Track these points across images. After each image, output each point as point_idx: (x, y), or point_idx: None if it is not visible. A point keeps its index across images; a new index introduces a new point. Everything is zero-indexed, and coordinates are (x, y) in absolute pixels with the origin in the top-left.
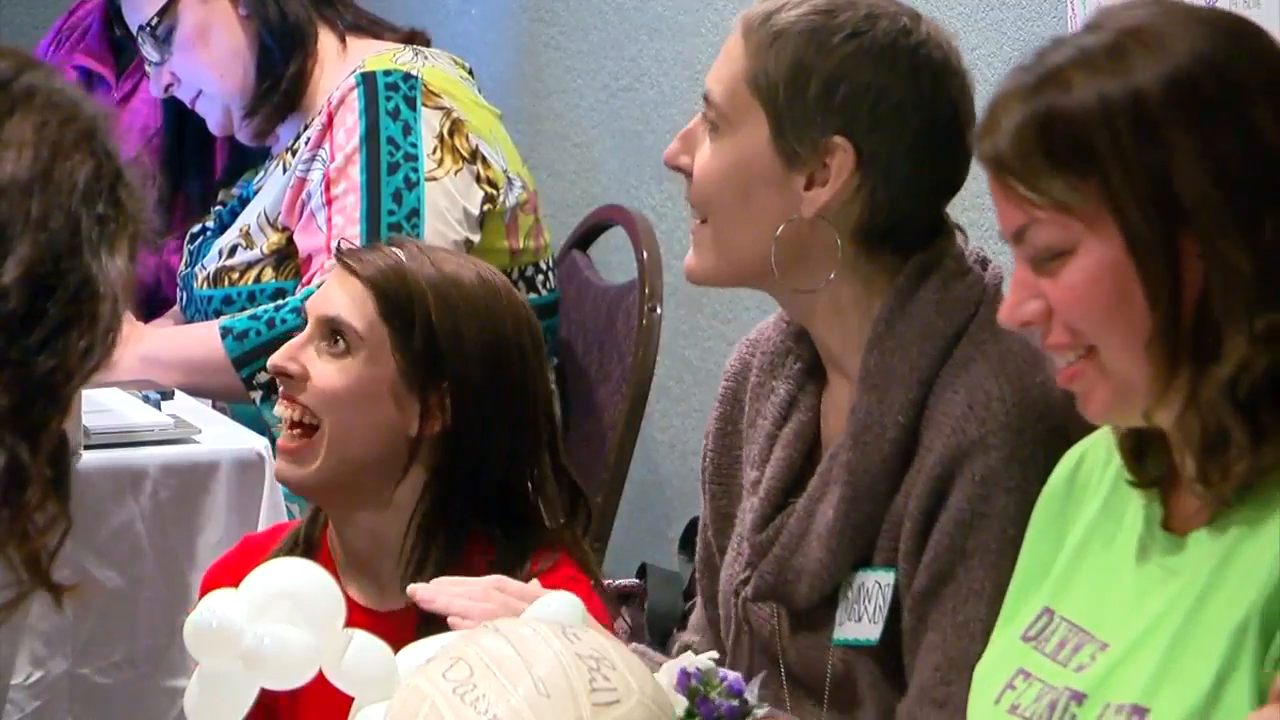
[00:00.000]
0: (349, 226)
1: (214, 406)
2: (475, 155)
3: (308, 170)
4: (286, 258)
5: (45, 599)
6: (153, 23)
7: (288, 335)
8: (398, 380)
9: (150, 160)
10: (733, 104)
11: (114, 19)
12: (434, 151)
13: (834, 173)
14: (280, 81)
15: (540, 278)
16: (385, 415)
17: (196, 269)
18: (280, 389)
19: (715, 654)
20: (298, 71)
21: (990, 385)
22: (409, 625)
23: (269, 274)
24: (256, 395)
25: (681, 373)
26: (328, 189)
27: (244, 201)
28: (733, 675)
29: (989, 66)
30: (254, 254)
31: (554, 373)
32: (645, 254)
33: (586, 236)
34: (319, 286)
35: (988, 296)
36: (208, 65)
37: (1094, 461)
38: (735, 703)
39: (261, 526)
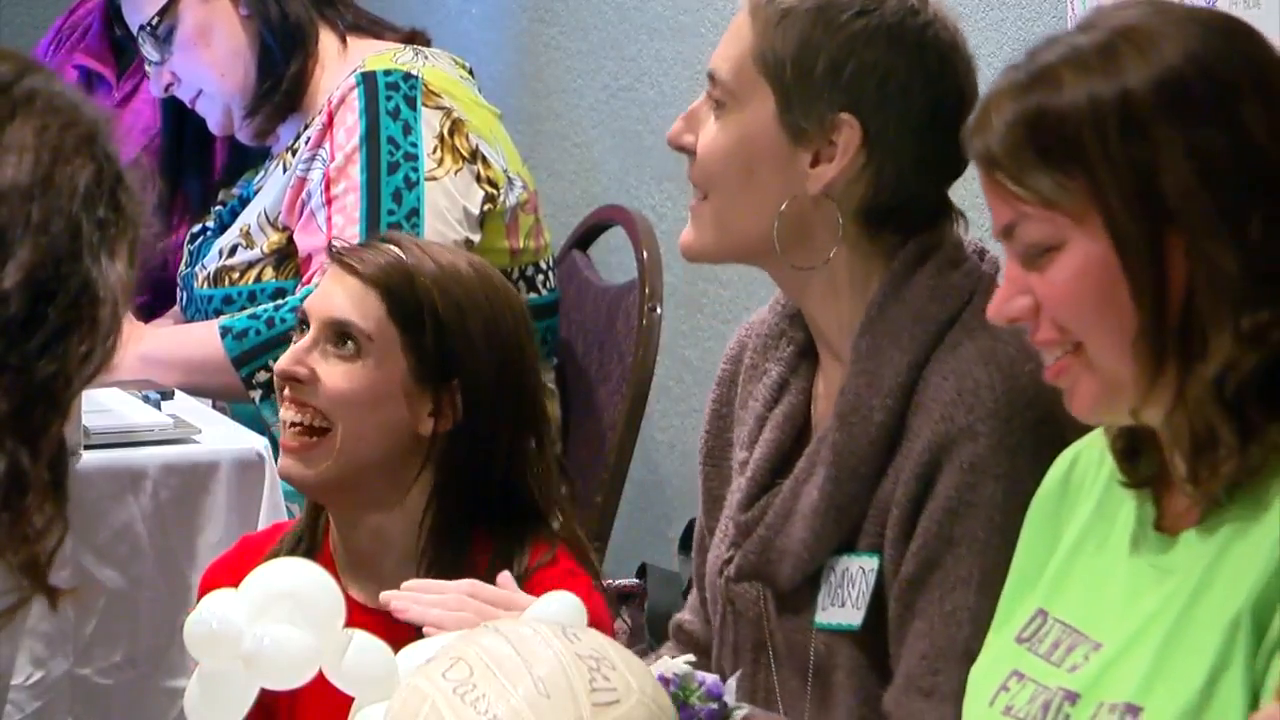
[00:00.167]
0: (349, 226)
1: (214, 406)
2: (475, 155)
3: (308, 170)
4: (286, 257)
5: (44, 601)
6: (153, 22)
7: (287, 334)
8: (409, 379)
9: (150, 161)
10: (739, 81)
11: (114, 19)
12: (434, 151)
13: (840, 150)
14: (281, 81)
15: (540, 278)
16: (396, 415)
17: (196, 269)
18: (287, 393)
19: (692, 657)
20: (298, 71)
21: (979, 372)
22: (409, 625)
23: (269, 273)
24: (256, 395)
25: (681, 373)
26: (328, 188)
27: (244, 201)
28: (710, 679)
29: (989, 66)
30: (254, 253)
31: (554, 373)
32: (645, 254)
33: (586, 236)
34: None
35: (983, 285)
36: (208, 65)
37: (1088, 462)
38: (715, 706)
39: (261, 526)
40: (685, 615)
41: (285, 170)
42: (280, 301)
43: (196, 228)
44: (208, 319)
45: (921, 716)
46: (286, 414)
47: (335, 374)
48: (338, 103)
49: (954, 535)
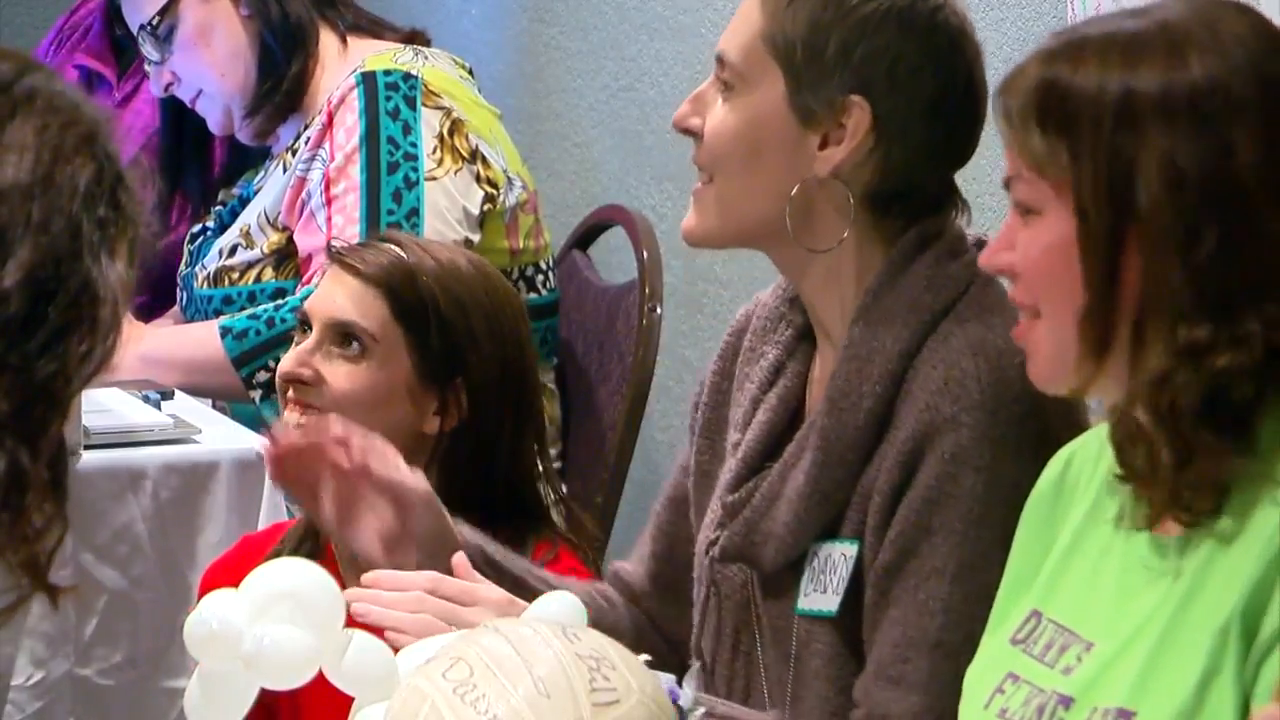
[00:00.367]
0: (349, 226)
1: (214, 406)
2: (475, 155)
3: (308, 170)
4: (286, 257)
5: (44, 600)
6: (153, 22)
7: (287, 334)
8: (413, 379)
9: (150, 160)
10: (748, 63)
11: (114, 18)
12: (434, 151)
13: (850, 132)
14: (282, 81)
15: (540, 278)
16: (401, 414)
17: (196, 269)
18: (291, 395)
19: (648, 657)
20: (299, 71)
21: (967, 363)
22: None
23: (269, 274)
24: (256, 395)
25: (681, 373)
26: (327, 188)
27: (244, 201)
28: (665, 680)
29: (989, 66)
30: (254, 254)
31: (554, 373)
32: (645, 254)
33: (586, 236)
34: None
35: (980, 279)
36: (209, 65)
37: (1083, 462)
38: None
39: (261, 526)
40: (626, 564)
41: (285, 170)
42: (280, 301)
43: (196, 228)
44: (208, 319)
45: (889, 705)
46: (291, 416)
47: (340, 375)
48: (337, 103)
49: (932, 525)
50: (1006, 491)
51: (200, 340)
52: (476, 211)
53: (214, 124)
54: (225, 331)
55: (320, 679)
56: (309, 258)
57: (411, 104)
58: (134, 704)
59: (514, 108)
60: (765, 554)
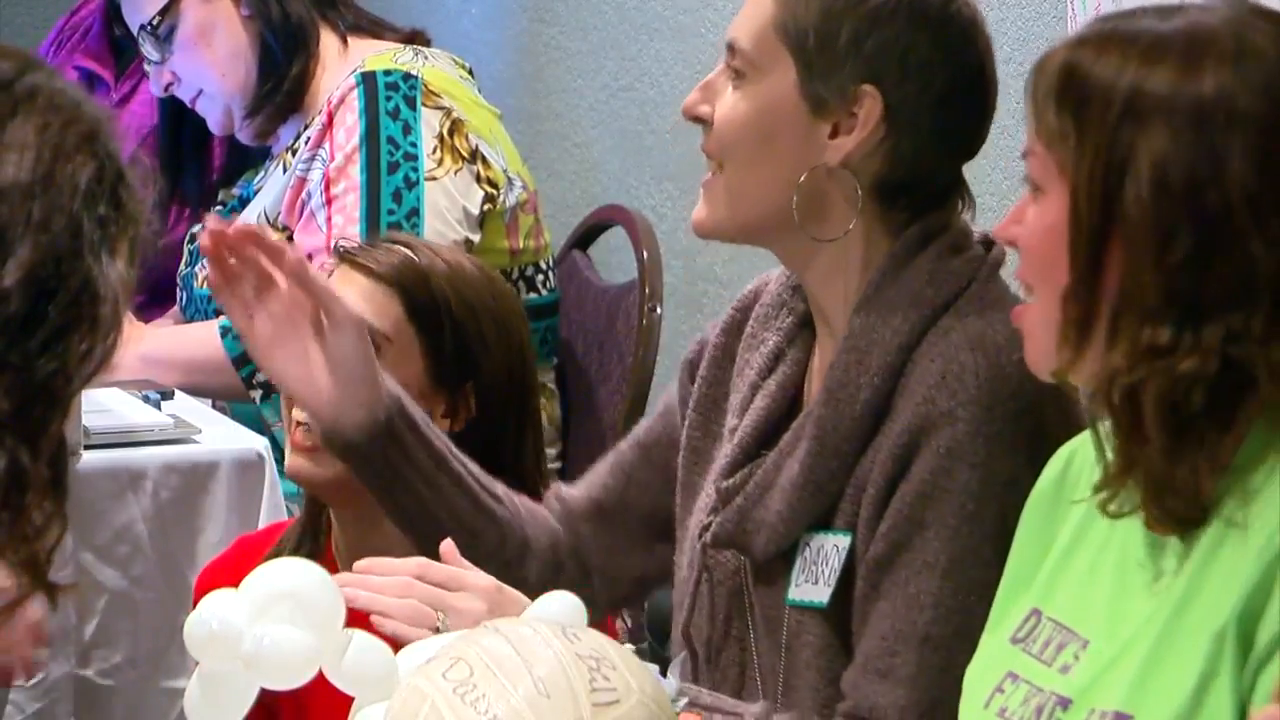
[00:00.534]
0: (349, 226)
1: (214, 406)
2: (475, 155)
3: (308, 170)
4: None
5: (43, 599)
6: (154, 22)
7: None
8: (424, 380)
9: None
10: (760, 50)
11: (114, 18)
12: (434, 151)
13: (861, 122)
14: (283, 82)
15: (540, 278)
16: None
17: (196, 269)
18: None
19: (632, 647)
20: (300, 72)
21: (965, 357)
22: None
23: None
24: (256, 394)
25: None
26: (327, 188)
27: (244, 201)
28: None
29: None
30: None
31: (554, 373)
32: (645, 254)
33: (586, 236)
34: None
35: (982, 275)
36: (209, 65)
37: (1084, 460)
38: None
39: (262, 526)
40: (571, 488)
41: (285, 170)
42: None
43: (196, 227)
44: (207, 319)
45: (875, 698)
46: (301, 415)
47: None
48: (337, 103)
49: (925, 519)
50: (1000, 488)
51: (200, 340)
52: (476, 211)
53: (214, 124)
54: (225, 331)
55: (324, 679)
56: (309, 257)
57: (411, 104)
58: (134, 704)
59: (514, 108)
60: (757, 542)
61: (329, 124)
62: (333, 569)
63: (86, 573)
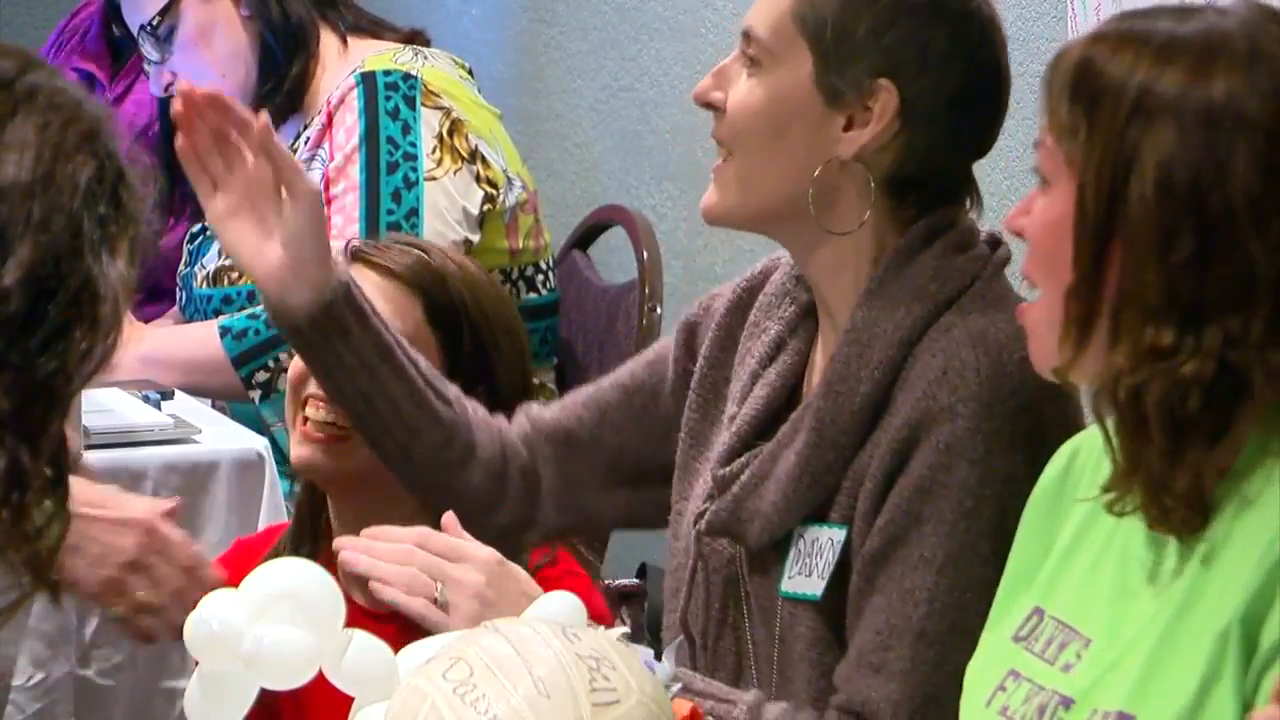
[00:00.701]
0: (348, 226)
1: (214, 406)
2: (475, 155)
3: (307, 170)
4: None
5: (45, 598)
6: (154, 22)
7: None
8: None
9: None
10: (777, 39)
11: (113, 18)
12: (433, 151)
13: (876, 115)
14: (283, 82)
15: (540, 278)
16: None
17: (196, 268)
18: (319, 392)
19: (627, 629)
20: (300, 72)
21: (967, 354)
22: (412, 627)
23: None
24: (256, 394)
25: None
26: (327, 188)
27: None
28: (643, 653)
29: None
30: None
31: (554, 372)
32: (645, 254)
33: (586, 236)
34: None
35: (986, 273)
36: (209, 65)
37: (1087, 457)
38: None
39: (262, 526)
40: (547, 411)
41: None
42: None
43: (196, 227)
44: (207, 319)
45: (868, 692)
46: (318, 414)
47: None
48: (337, 103)
49: (922, 514)
50: (998, 485)
51: (200, 340)
52: (476, 211)
53: None
54: (225, 331)
55: (324, 679)
56: None
57: (411, 104)
58: (134, 704)
59: (514, 108)
60: (751, 531)
61: (328, 124)
62: (331, 569)
63: None
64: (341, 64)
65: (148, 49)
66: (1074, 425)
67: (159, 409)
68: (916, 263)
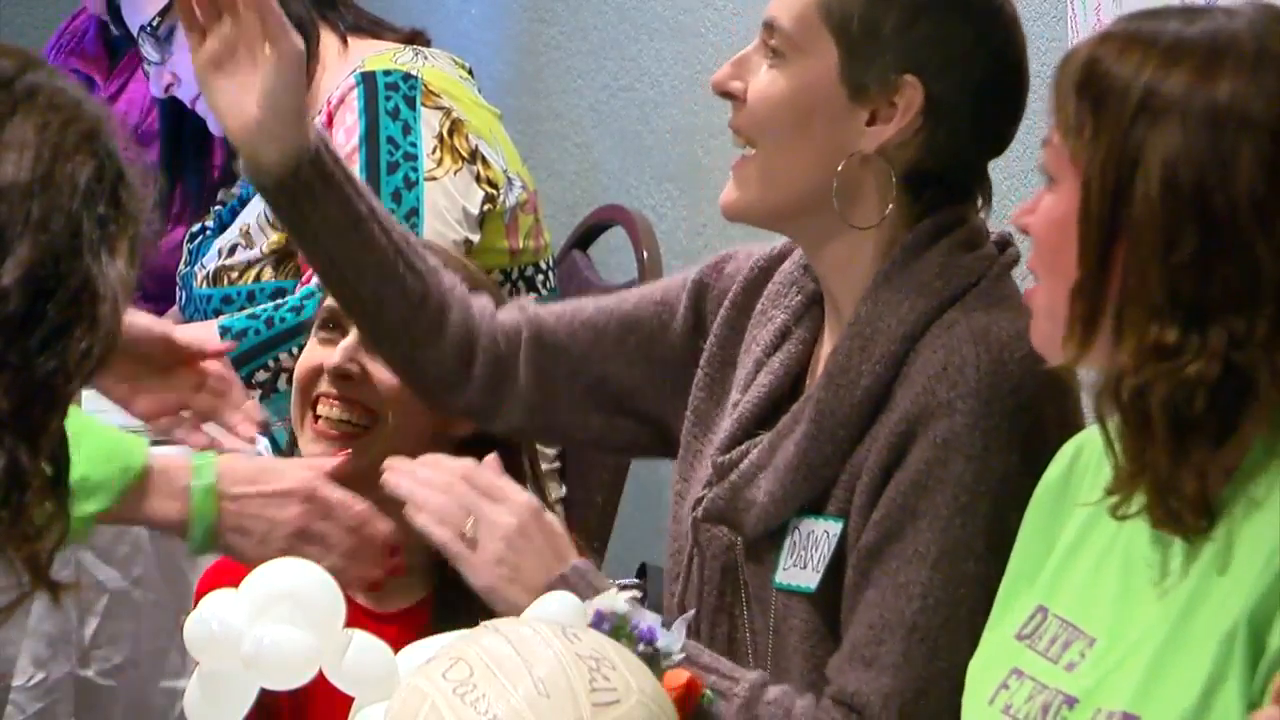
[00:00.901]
0: None
1: None
2: (475, 155)
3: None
4: (286, 257)
5: (46, 599)
6: (154, 23)
7: (286, 334)
8: None
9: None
10: (801, 31)
11: (112, 19)
12: (433, 151)
13: (900, 111)
14: None
15: (540, 278)
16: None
17: (196, 268)
18: (334, 391)
19: (637, 594)
20: None
21: (967, 351)
22: (412, 627)
23: (268, 273)
24: (255, 394)
25: None
26: None
27: (244, 201)
28: (646, 622)
29: None
30: (253, 253)
31: None
32: (645, 254)
33: (586, 236)
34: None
35: (993, 273)
36: None
37: (1090, 455)
38: (645, 649)
39: None
40: (545, 314)
41: None
42: (280, 301)
43: (195, 227)
44: (207, 319)
45: (859, 685)
46: (332, 412)
47: (386, 373)
48: (337, 103)
49: (918, 508)
50: (994, 482)
51: None
52: (476, 211)
53: (214, 125)
54: (224, 331)
55: (324, 679)
56: None
57: (411, 104)
58: (135, 705)
59: (514, 108)
60: (747, 520)
61: (328, 124)
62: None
63: (86, 573)
64: (341, 64)
65: (148, 49)
66: (1073, 425)
67: None
68: (923, 259)
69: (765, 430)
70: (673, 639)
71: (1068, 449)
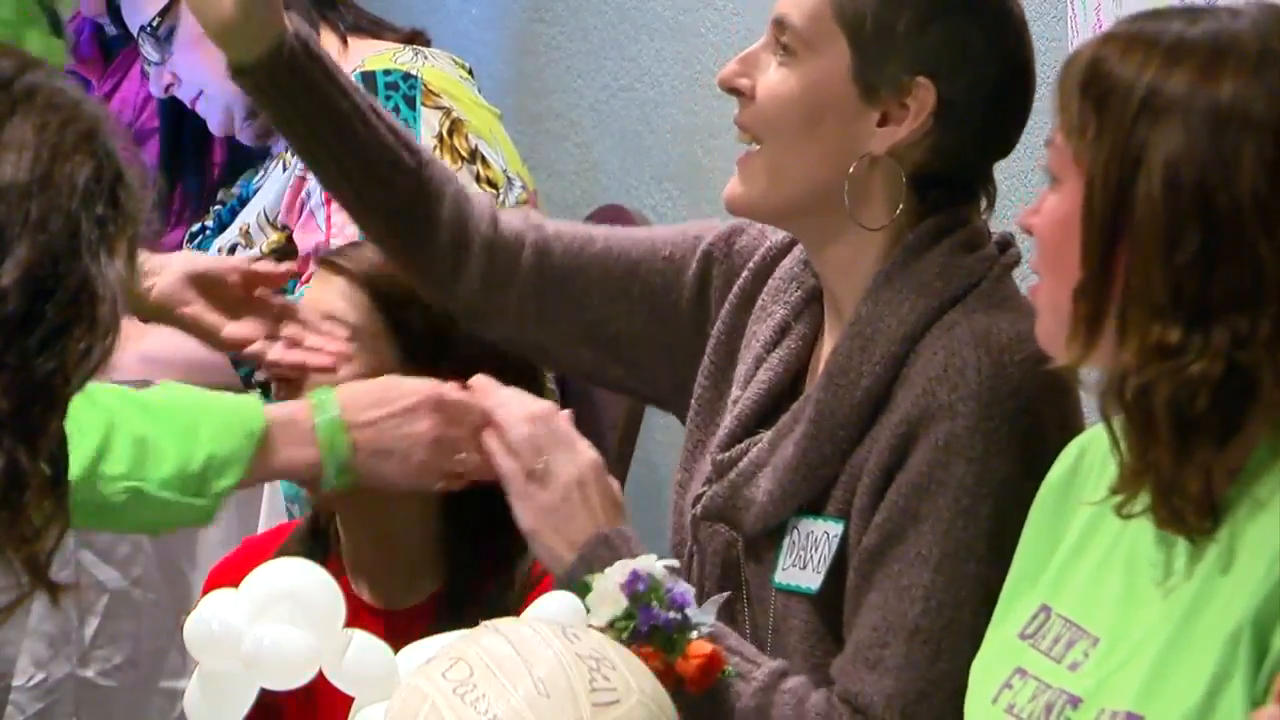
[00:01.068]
0: (349, 225)
1: None
2: (475, 155)
3: (307, 169)
4: (286, 256)
5: (45, 599)
6: (154, 23)
7: None
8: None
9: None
10: (814, 30)
11: (111, 18)
12: (433, 150)
13: (912, 113)
14: None
15: None
16: None
17: None
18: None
19: (675, 563)
20: None
21: (969, 353)
22: (418, 625)
23: None
24: (255, 394)
25: None
26: None
27: (243, 201)
28: (680, 589)
29: None
30: (253, 253)
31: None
32: None
33: None
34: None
35: (993, 274)
36: (209, 65)
37: (1095, 455)
38: (675, 615)
39: (262, 527)
40: (559, 235)
41: (285, 169)
42: None
43: (195, 227)
44: None
45: (863, 687)
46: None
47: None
48: None
49: (919, 511)
50: (995, 485)
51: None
52: None
53: (214, 125)
54: None
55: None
56: (308, 256)
57: (411, 104)
58: (135, 705)
59: (514, 108)
60: (746, 519)
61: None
62: (334, 568)
63: (86, 572)
64: (341, 64)
65: (148, 49)
66: (1073, 427)
67: None
68: (924, 259)
69: (765, 428)
70: (703, 613)
71: (1072, 448)
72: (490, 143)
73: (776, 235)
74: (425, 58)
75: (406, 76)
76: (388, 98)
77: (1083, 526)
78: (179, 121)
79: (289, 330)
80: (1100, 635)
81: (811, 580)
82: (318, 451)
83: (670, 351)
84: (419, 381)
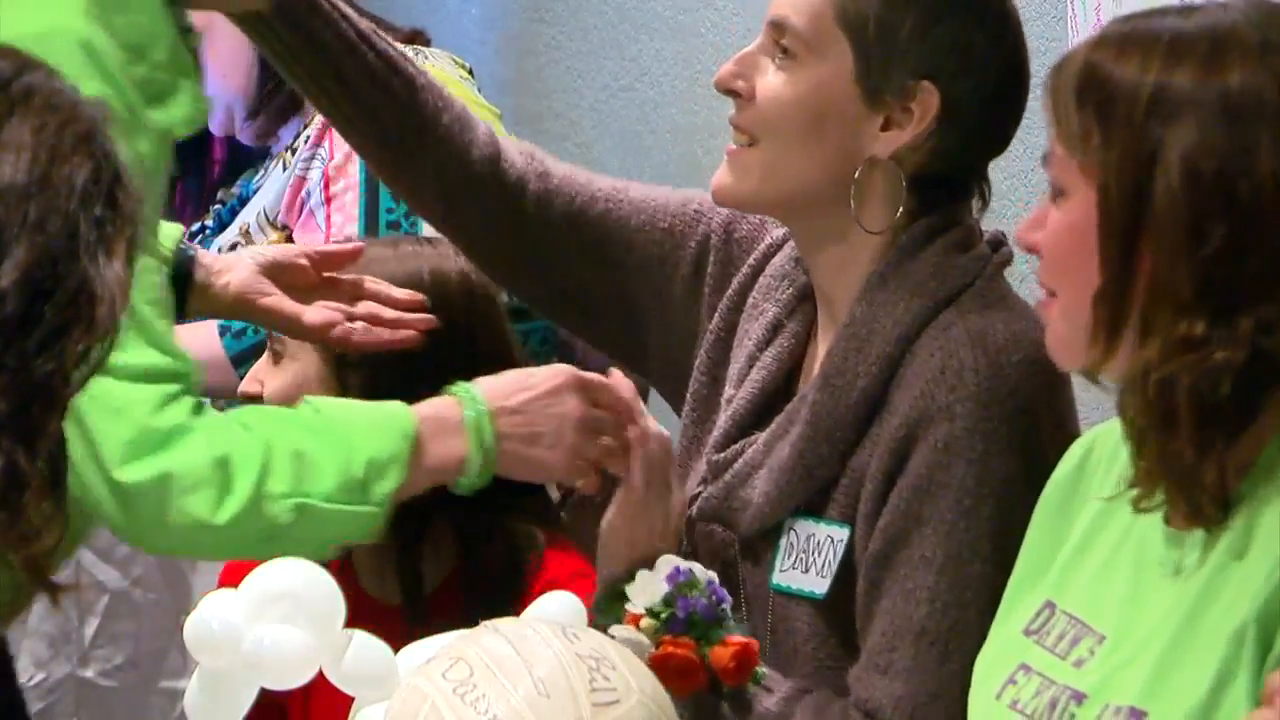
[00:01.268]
0: (348, 224)
1: (213, 405)
2: None
3: (307, 169)
4: None
5: (44, 600)
6: None
7: None
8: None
9: None
10: (816, 33)
11: None
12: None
13: (916, 117)
14: (284, 82)
15: None
16: None
17: None
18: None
19: (714, 577)
20: None
21: (965, 354)
22: (412, 626)
23: None
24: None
25: None
26: (327, 187)
27: (243, 200)
28: (721, 590)
29: None
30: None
31: None
32: None
33: None
34: None
35: (986, 273)
36: (210, 64)
37: (1102, 452)
38: (712, 603)
39: None
40: (571, 184)
41: (285, 169)
42: None
43: (195, 226)
44: (206, 318)
45: (874, 692)
46: None
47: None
48: None
49: (922, 514)
50: (996, 485)
51: (200, 339)
52: None
53: (214, 124)
54: (224, 330)
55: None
56: None
57: None
58: (135, 705)
59: (514, 108)
60: (742, 520)
61: (329, 123)
62: (349, 567)
63: (86, 573)
64: None
65: None
66: (1068, 426)
67: None
68: (918, 259)
69: (760, 428)
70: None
71: (1078, 446)
72: None
73: (777, 230)
74: (425, 58)
75: None
76: None
77: (1088, 524)
78: None
79: (365, 308)
80: (1106, 633)
81: (816, 584)
82: (467, 445)
83: (662, 319)
84: (553, 367)
